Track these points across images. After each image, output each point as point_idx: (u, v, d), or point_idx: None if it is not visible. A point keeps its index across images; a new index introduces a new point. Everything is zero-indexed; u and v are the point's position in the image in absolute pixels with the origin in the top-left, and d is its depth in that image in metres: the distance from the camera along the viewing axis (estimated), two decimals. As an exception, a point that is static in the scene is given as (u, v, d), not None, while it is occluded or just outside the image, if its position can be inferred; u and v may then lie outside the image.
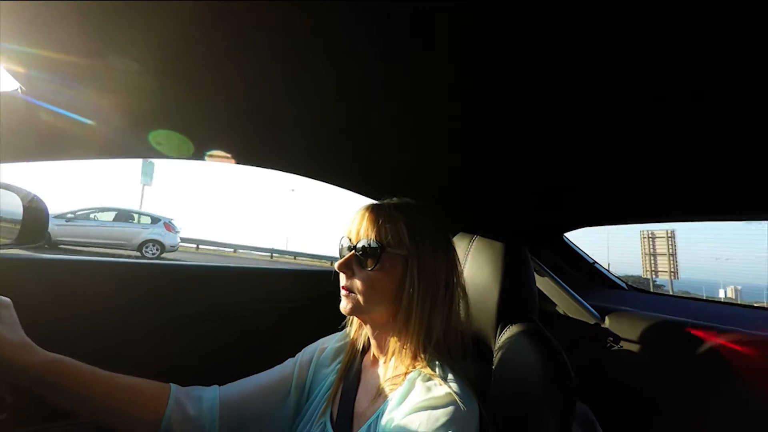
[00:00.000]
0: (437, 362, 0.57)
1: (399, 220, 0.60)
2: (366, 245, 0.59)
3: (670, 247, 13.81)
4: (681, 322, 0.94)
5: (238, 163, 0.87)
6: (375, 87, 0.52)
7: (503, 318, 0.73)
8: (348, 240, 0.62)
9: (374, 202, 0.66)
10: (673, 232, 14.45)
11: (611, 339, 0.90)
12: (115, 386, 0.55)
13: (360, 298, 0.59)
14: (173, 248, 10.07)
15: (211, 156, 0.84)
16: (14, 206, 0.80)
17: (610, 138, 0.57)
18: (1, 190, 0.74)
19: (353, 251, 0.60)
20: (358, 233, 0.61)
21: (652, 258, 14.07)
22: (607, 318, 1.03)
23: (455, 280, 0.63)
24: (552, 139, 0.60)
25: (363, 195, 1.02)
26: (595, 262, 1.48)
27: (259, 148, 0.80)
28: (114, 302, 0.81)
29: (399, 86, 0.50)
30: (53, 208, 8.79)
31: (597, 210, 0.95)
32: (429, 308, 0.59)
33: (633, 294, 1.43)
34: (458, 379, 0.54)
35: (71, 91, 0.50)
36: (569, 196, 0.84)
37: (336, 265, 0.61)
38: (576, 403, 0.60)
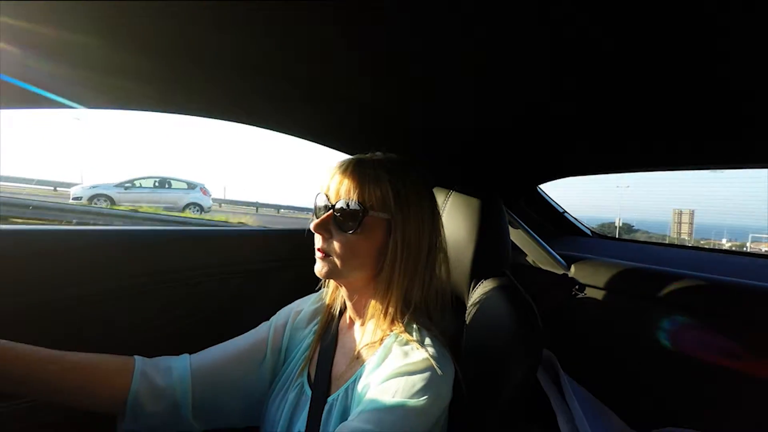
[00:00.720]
0: (415, 326, 0.56)
1: (384, 180, 0.55)
2: (345, 206, 0.54)
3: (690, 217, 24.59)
4: (640, 268, 1.00)
5: (197, 115, 0.76)
6: (345, 32, 0.45)
7: (477, 273, 0.74)
8: (326, 198, 0.56)
9: (349, 156, 0.60)
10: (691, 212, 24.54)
11: (576, 287, 0.95)
12: (68, 365, 0.51)
13: (337, 261, 0.56)
14: (209, 209, 11.17)
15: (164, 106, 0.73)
16: None
17: (589, 85, 0.53)
18: None
19: (331, 211, 0.55)
20: (338, 192, 0.55)
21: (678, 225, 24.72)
22: (572, 266, 1.07)
23: (438, 245, 0.61)
24: (529, 85, 0.56)
25: (335, 149, 0.95)
26: (565, 211, 1.53)
27: (216, 98, 0.70)
28: (71, 272, 0.74)
29: (372, 31, 0.43)
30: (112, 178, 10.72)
31: (572, 161, 0.94)
32: (410, 274, 0.56)
33: (596, 240, 1.50)
34: (436, 343, 0.54)
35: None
36: (544, 146, 0.82)
37: (312, 225, 0.56)
38: (542, 351, 0.64)
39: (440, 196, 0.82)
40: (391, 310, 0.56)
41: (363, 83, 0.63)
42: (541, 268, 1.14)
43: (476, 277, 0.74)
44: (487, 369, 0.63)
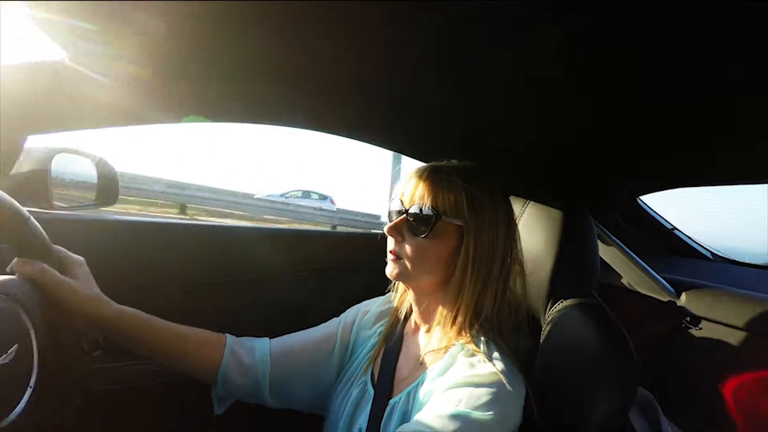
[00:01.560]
0: (483, 338, 0.54)
1: (458, 187, 0.55)
2: (419, 211, 0.55)
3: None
4: None
5: (291, 126, 0.84)
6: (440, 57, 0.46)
7: (555, 292, 0.67)
8: (399, 203, 0.59)
9: (423, 164, 0.61)
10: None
11: (688, 319, 0.79)
12: (179, 335, 0.60)
13: (408, 264, 0.57)
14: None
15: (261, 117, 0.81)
16: (88, 170, 0.88)
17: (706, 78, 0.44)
18: (72, 155, 0.81)
19: (405, 215, 0.57)
20: (412, 197, 0.57)
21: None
22: (683, 294, 0.90)
23: (513, 255, 0.59)
24: (628, 83, 0.48)
25: (413, 158, 0.96)
26: (675, 228, 1.29)
27: (317, 112, 0.76)
28: (162, 261, 0.87)
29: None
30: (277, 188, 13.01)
31: (679, 169, 0.79)
32: (482, 284, 0.55)
33: (720, 265, 1.24)
34: (505, 359, 0.51)
35: (107, 58, 0.50)
36: (644, 152, 0.70)
37: (386, 228, 0.59)
38: (637, 388, 0.55)
39: (517, 206, 0.77)
40: (459, 318, 0.55)
41: (440, 94, 0.62)
42: (640, 293, 0.98)
43: (554, 295, 0.67)
44: (565, 400, 0.56)
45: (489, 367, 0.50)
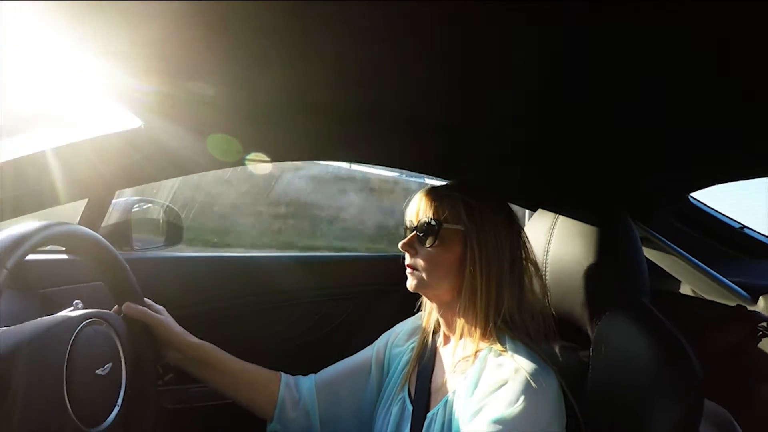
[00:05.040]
0: (507, 337, 0.56)
1: (456, 198, 0.61)
2: (424, 223, 0.61)
3: None
4: None
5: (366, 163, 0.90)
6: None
7: (600, 301, 0.64)
8: (410, 222, 0.65)
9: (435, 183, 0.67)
10: None
11: (764, 325, 0.70)
12: (243, 369, 0.69)
13: (423, 274, 0.61)
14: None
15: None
16: (156, 215, 1.03)
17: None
18: (144, 204, 0.97)
19: (414, 231, 0.63)
20: (417, 214, 0.63)
21: None
22: (761, 299, 0.80)
23: (523, 254, 0.62)
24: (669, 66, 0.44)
25: (433, 177, 0.99)
26: (744, 226, 1.17)
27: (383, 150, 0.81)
28: (219, 293, 0.98)
29: None
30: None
31: (734, 159, 0.72)
32: (495, 284, 0.58)
33: None
34: (531, 354, 0.53)
35: (174, 123, 0.62)
36: (690, 143, 0.65)
37: (399, 244, 0.64)
38: (703, 401, 0.50)
39: (549, 215, 0.76)
40: (481, 322, 0.58)
41: (466, 108, 0.65)
42: (706, 300, 0.89)
43: (598, 306, 0.64)
44: (619, 418, 0.53)
45: (513, 363, 0.52)
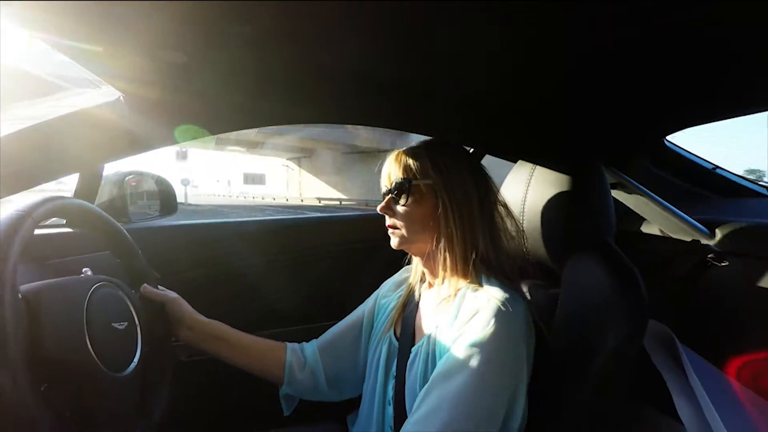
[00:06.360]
0: (484, 276, 0.62)
1: (422, 155, 0.65)
2: (396, 184, 0.66)
3: None
4: None
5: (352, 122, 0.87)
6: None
7: (570, 245, 0.70)
8: (384, 187, 0.69)
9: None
10: None
11: (711, 256, 0.77)
12: (253, 340, 0.76)
13: (403, 231, 0.66)
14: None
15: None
16: (150, 187, 1.06)
17: None
18: (135, 176, 1.00)
19: (390, 194, 0.67)
20: (389, 177, 0.68)
21: None
22: (717, 230, 0.86)
23: (492, 197, 0.67)
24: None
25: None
26: (717, 167, 1.21)
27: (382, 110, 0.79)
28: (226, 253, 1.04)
29: None
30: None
31: (707, 101, 0.74)
32: (468, 226, 0.63)
33: None
34: (504, 287, 0.59)
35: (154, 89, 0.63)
36: (666, 85, 0.63)
37: (377, 208, 0.69)
38: (648, 320, 0.58)
39: (526, 171, 0.79)
40: (460, 264, 0.63)
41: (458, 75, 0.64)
42: (671, 237, 0.96)
43: (570, 248, 0.70)
44: (577, 338, 0.61)
45: (487, 294, 0.58)
